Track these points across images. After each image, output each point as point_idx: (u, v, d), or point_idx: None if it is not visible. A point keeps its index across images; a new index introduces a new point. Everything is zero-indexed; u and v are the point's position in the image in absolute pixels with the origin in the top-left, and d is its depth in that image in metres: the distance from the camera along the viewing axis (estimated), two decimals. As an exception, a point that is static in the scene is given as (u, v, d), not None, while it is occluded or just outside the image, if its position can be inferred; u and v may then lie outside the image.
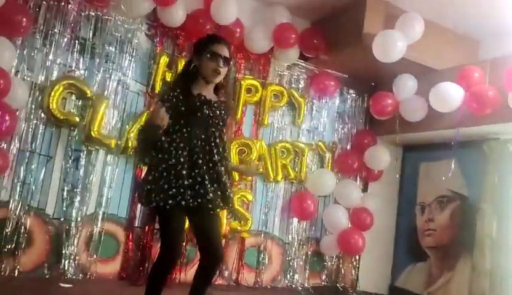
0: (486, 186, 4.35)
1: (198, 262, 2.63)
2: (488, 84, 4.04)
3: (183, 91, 2.50)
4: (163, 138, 2.43)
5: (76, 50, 3.88)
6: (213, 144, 2.53)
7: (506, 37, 4.41)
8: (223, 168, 2.55)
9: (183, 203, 2.41)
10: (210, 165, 2.50)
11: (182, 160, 2.44)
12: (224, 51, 2.55)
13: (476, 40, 4.73)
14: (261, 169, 2.65)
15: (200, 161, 2.47)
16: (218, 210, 2.57)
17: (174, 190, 2.41)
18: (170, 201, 2.40)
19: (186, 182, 2.42)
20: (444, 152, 4.70)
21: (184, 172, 2.42)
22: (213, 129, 2.54)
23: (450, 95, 4.12)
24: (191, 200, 2.42)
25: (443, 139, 4.55)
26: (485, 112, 3.96)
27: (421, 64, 4.44)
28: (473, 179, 4.53)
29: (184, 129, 2.48)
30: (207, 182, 2.45)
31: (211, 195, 2.46)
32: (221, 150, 2.57)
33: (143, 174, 4.04)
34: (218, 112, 2.56)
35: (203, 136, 2.50)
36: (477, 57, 4.66)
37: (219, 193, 2.52)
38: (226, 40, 2.66)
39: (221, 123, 2.59)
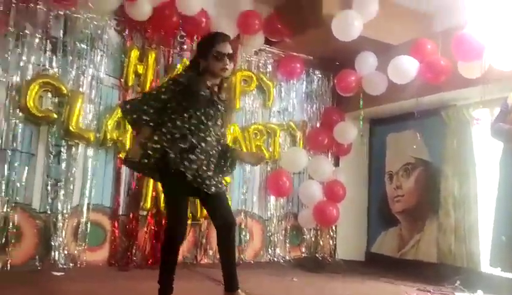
0: (446, 151, 4.69)
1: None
2: (440, 55, 4.34)
3: (195, 86, 2.66)
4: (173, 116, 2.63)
5: (48, 49, 4.02)
6: (211, 132, 2.71)
7: (457, 9, 4.69)
8: (218, 155, 2.77)
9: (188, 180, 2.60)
10: (210, 152, 2.70)
11: (184, 145, 2.61)
12: (228, 49, 2.73)
13: (429, 14, 5.01)
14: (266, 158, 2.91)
15: (200, 149, 2.64)
16: (217, 190, 2.72)
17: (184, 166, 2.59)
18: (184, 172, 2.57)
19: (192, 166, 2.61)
20: (407, 122, 5.03)
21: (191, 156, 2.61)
22: (213, 122, 2.72)
23: (405, 67, 4.42)
24: (194, 183, 2.62)
25: (406, 110, 4.86)
26: (439, 81, 4.28)
27: (379, 41, 4.72)
28: (434, 145, 4.87)
29: (186, 116, 2.64)
30: (205, 168, 2.66)
31: (209, 179, 2.67)
32: (221, 140, 2.80)
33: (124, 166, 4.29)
34: (219, 106, 2.74)
35: (202, 126, 2.67)
36: (432, 30, 4.95)
37: (216, 177, 2.73)
38: (228, 36, 2.82)
39: (219, 117, 2.77)
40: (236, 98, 4.83)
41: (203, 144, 2.66)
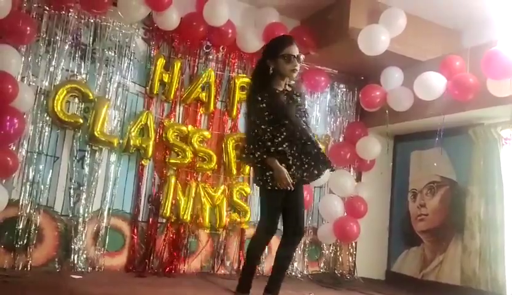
0: (473, 170, 4.56)
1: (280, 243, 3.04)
2: (469, 72, 4.26)
3: (270, 90, 2.84)
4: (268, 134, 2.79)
5: (77, 55, 4.12)
6: (306, 128, 2.89)
7: (486, 25, 4.62)
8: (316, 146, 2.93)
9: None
10: (310, 144, 2.86)
11: (289, 149, 2.80)
12: (296, 51, 2.85)
13: (458, 30, 4.94)
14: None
15: (304, 146, 2.84)
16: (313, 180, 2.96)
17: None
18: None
19: (294, 167, 2.81)
20: (433, 140, 4.91)
21: (291, 159, 2.81)
22: (303, 116, 2.92)
23: (432, 84, 4.34)
24: (302, 177, 2.85)
25: (431, 127, 4.75)
26: (467, 98, 4.19)
27: (406, 56, 4.66)
28: (461, 164, 4.75)
29: (286, 122, 2.81)
30: (312, 163, 2.86)
31: (314, 171, 2.89)
32: (312, 131, 2.97)
33: (145, 173, 4.33)
34: (299, 99, 2.95)
35: (299, 126, 2.85)
36: (460, 47, 4.86)
37: (316, 169, 2.90)
38: (294, 39, 2.95)
39: (304, 109, 2.96)
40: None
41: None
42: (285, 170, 2.75)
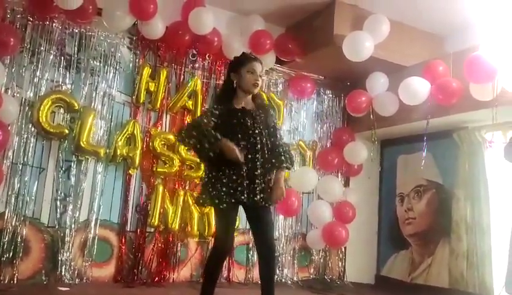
0: (458, 173, 4.62)
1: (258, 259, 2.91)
2: (452, 76, 4.31)
3: (229, 106, 2.83)
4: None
5: (62, 65, 4.09)
6: (258, 147, 2.77)
7: (468, 30, 4.70)
8: (267, 169, 2.81)
9: (234, 200, 2.70)
10: (257, 166, 2.74)
11: (231, 165, 2.69)
12: (260, 68, 2.89)
13: (441, 36, 5.01)
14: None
15: (248, 165, 2.72)
16: (268, 205, 2.81)
17: (226, 190, 2.70)
18: (225, 199, 2.69)
19: (237, 183, 2.70)
20: (419, 144, 4.96)
21: (234, 176, 2.70)
22: (257, 136, 2.79)
23: (417, 89, 4.39)
24: (242, 198, 2.69)
25: (417, 131, 4.80)
26: (450, 103, 4.24)
27: (390, 61, 4.71)
28: (446, 167, 4.80)
29: (234, 140, 2.72)
30: (257, 181, 2.73)
31: (258, 193, 2.73)
32: (267, 153, 2.81)
33: (133, 183, 4.31)
34: (258, 118, 2.84)
35: (248, 145, 2.75)
36: (443, 51, 4.92)
37: (267, 190, 2.78)
38: (259, 58, 2.99)
39: (263, 128, 2.83)
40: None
41: None
42: (236, 148, 2.66)
